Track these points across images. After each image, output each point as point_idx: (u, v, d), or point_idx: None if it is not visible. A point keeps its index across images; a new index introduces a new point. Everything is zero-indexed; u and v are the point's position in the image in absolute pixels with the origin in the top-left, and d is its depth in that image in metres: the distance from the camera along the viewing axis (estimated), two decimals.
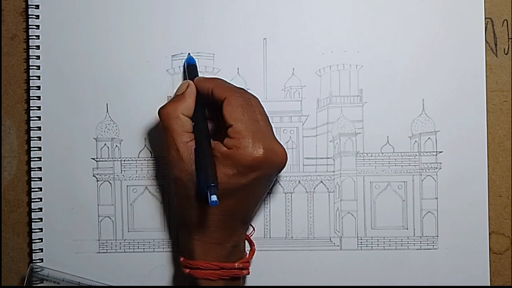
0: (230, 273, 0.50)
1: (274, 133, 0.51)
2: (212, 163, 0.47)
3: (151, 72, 0.56)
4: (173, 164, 0.49)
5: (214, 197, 0.45)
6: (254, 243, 0.55)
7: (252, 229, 0.56)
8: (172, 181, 0.50)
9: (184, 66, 0.55)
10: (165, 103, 0.51)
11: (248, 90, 0.55)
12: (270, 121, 0.51)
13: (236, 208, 0.50)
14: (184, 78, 0.55)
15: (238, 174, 0.48)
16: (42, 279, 0.56)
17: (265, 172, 0.49)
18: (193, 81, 0.52)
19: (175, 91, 0.52)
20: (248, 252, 0.54)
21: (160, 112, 0.50)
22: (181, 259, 0.51)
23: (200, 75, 0.55)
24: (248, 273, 0.52)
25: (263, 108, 0.51)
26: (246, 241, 0.55)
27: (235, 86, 0.51)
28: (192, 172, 0.48)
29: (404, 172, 0.56)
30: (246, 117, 0.49)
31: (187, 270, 0.50)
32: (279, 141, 0.50)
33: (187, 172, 0.49)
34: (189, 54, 0.55)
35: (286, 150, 0.50)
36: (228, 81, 0.54)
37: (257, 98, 0.51)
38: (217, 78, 0.53)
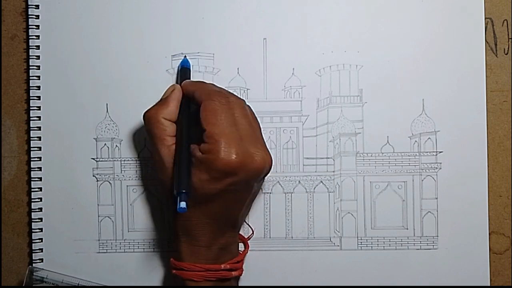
0: (216, 275, 0.50)
1: (263, 137, 0.51)
2: (186, 168, 0.47)
3: (151, 72, 0.56)
4: (157, 167, 0.50)
5: (183, 204, 0.45)
6: (249, 245, 0.55)
7: (251, 231, 0.56)
8: (160, 183, 0.51)
9: (178, 68, 0.55)
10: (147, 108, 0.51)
11: (248, 90, 0.55)
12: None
13: (220, 212, 0.49)
14: (176, 81, 0.55)
15: (212, 179, 0.47)
16: (41, 280, 0.55)
17: (241, 177, 0.47)
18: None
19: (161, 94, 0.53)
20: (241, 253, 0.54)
21: (143, 116, 0.51)
22: (171, 259, 0.51)
23: (200, 75, 0.55)
24: (240, 274, 0.52)
25: (249, 111, 0.50)
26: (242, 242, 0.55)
27: (217, 89, 0.51)
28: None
29: (404, 172, 0.56)
30: (220, 121, 0.47)
31: (173, 271, 0.51)
32: (264, 145, 0.50)
33: (169, 176, 0.49)
34: (185, 56, 0.55)
35: (270, 155, 0.49)
36: (203, 81, 0.54)
37: (243, 101, 0.50)
38: (201, 82, 0.53)
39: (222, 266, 0.50)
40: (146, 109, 0.51)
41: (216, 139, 0.47)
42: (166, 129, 0.50)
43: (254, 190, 0.52)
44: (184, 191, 0.45)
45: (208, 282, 0.50)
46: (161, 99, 0.52)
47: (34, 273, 0.55)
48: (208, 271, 0.50)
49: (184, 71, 0.54)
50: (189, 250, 0.50)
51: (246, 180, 0.48)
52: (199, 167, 0.47)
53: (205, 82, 0.53)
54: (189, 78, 0.54)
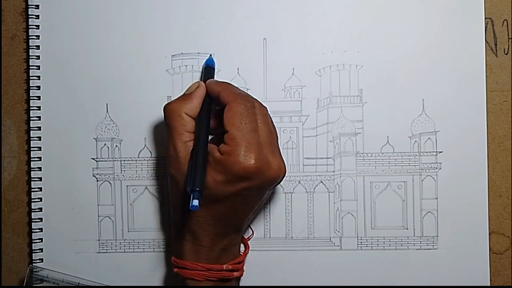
0: (218, 275, 0.50)
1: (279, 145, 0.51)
2: (203, 167, 0.47)
3: (151, 72, 0.56)
4: (170, 161, 0.50)
5: (195, 202, 0.44)
6: (249, 246, 0.55)
7: (251, 232, 0.56)
8: (169, 178, 0.51)
9: (202, 66, 0.55)
10: (167, 102, 0.51)
11: (248, 90, 0.55)
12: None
13: (226, 215, 0.49)
14: (201, 79, 0.55)
15: (227, 181, 0.47)
16: (41, 280, 0.55)
17: (255, 183, 0.47)
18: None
19: (184, 90, 0.52)
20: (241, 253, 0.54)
21: (164, 108, 0.50)
22: (172, 258, 0.51)
23: (200, 75, 0.55)
24: (241, 274, 0.52)
25: (269, 118, 0.50)
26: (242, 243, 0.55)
27: (243, 93, 0.51)
28: (186, 172, 0.48)
29: (404, 172, 0.56)
30: (244, 125, 0.48)
31: (175, 269, 0.50)
32: (280, 155, 0.49)
33: (181, 172, 0.48)
34: (210, 55, 0.55)
35: (285, 165, 0.49)
36: (228, 82, 0.54)
37: (265, 108, 0.50)
38: (227, 83, 0.52)
39: (224, 266, 0.50)
40: (166, 102, 0.51)
41: (238, 142, 0.47)
42: (186, 125, 0.49)
43: (264, 197, 0.52)
44: (198, 189, 0.45)
45: (209, 282, 0.50)
46: (184, 94, 0.52)
47: (34, 272, 0.55)
48: (209, 270, 0.50)
49: (208, 69, 0.54)
50: (191, 249, 0.50)
51: (260, 187, 0.49)
52: (216, 167, 0.47)
53: (231, 84, 0.52)
54: (213, 77, 0.54)
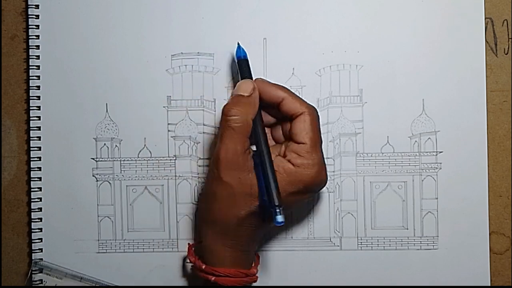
0: (251, 280, 0.50)
1: None
2: (276, 180, 0.46)
3: (151, 72, 0.56)
4: (224, 167, 0.46)
5: (280, 218, 0.44)
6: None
7: None
8: (217, 183, 0.47)
9: (235, 59, 0.53)
10: (228, 100, 0.48)
11: None
12: None
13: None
14: (238, 72, 0.53)
15: (297, 192, 0.47)
16: (41, 269, 0.55)
17: (315, 193, 0.48)
18: (246, 78, 0.50)
19: (235, 88, 0.50)
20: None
21: (229, 111, 0.47)
22: (203, 266, 0.49)
23: (200, 75, 0.55)
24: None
25: None
26: None
27: (307, 102, 0.50)
28: (246, 181, 0.46)
29: (404, 172, 0.56)
30: (317, 137, 0.48)
31: (213, 278, 0.48)
32: None
33: (239, 180, 0.46)
34: (239, 44, 0.53)
35: None
36: (228, 82, 0.54)
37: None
38: (286, 88, 0.50)
39: (255, 270, 0.51)
40: (227, 104, 0.48)
41: (314, 156, 0.47)
42: (250, 131, 0.47)
43: None
44: (278, 204, 0.45)
45: None
46: (239, 94, 0.48)
47: (37, 267, 0.55)
48: (248, 276, 0.50)
49: (243, 63, 0.52)
50: (232, 255, 0.49)
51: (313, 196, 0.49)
52: (287, 179, 0.47)
53: (288, 89, 0.50)
54: (250, 71, 0.51)
